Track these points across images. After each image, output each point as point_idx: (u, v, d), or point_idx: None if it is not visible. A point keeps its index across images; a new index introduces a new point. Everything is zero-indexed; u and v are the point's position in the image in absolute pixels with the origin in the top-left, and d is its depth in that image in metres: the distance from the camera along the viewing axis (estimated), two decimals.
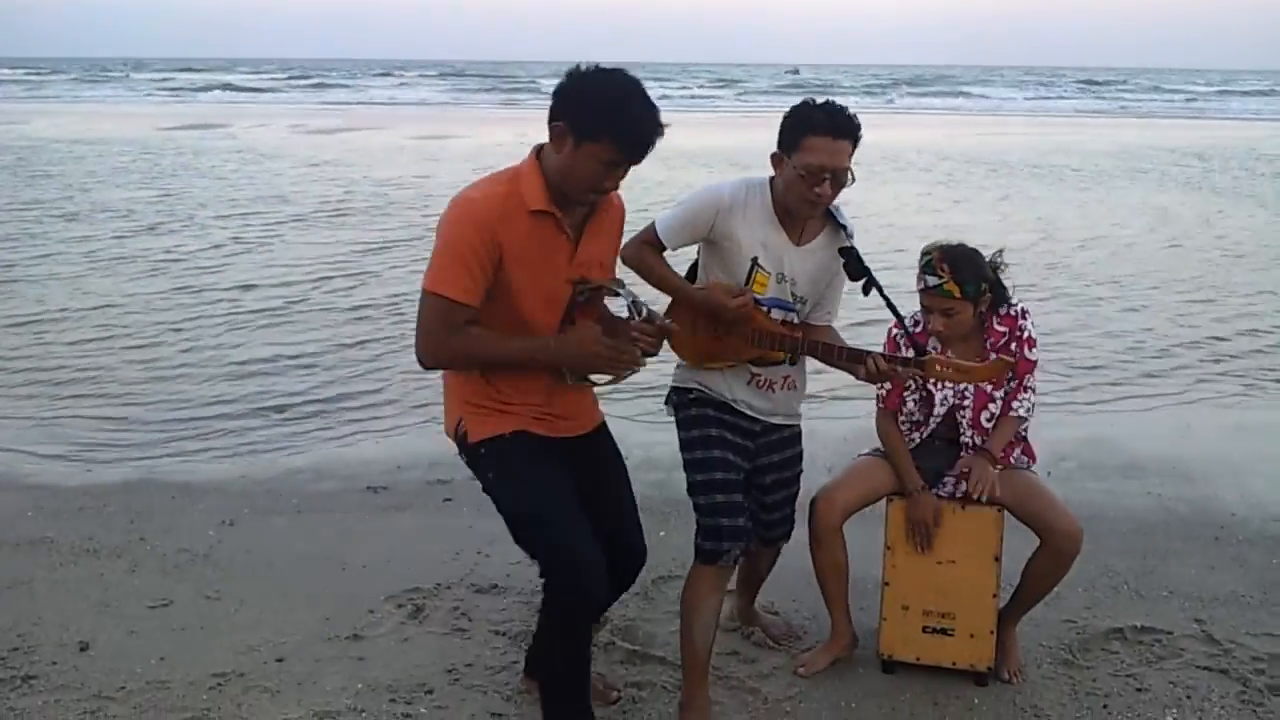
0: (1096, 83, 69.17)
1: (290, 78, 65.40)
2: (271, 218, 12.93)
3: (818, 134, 2.81)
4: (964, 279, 3.09)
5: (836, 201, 2.94)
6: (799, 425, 3.22)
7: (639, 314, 2.70)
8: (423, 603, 3.75)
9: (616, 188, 2.63)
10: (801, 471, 3.26)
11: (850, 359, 2.92)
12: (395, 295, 8.89)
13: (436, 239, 2.56)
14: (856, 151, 2.87)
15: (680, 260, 3.06)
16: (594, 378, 2.75)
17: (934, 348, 3.18)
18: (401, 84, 61.15)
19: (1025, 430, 3.31)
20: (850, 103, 2.94)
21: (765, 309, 2.98)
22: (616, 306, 2.83)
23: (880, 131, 25.85)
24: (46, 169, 17.40)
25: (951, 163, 20.21)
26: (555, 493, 2.67)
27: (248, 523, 4.56)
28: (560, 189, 2.58)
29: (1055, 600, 3.62)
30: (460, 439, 2.75)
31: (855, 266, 2.98)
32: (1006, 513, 3.20)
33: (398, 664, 3.35)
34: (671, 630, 3.50)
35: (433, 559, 4.12)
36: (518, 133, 25.63)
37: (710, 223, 2.93)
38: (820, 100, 2.88)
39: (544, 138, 2.60)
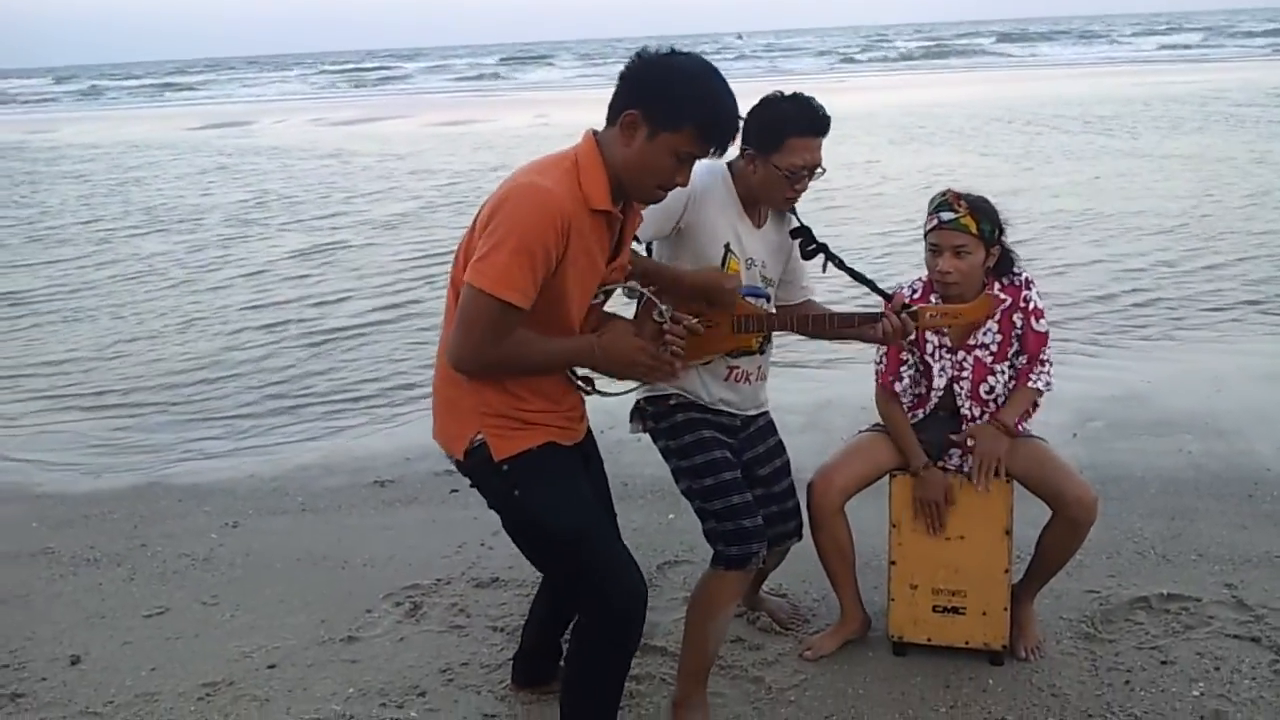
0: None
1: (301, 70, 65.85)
2: (367, 216, 12.53)
3: (802, 135, 2.71)
4: (981, 216, 2.94)
5: None
6: (769, 413, 3.08)
7: (667, 316, 2.53)
8: (421, 600, 3.66)
9: (686, 184, 2.41)
10: (789, 460, 3.10)
11: (864, 321, 2.77)
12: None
13: (499, 229, 2.22)
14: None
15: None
16: (609, 386, 2.57)
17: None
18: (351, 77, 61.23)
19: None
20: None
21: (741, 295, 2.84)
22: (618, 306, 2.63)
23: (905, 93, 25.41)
24: (113, 177, 17.34)
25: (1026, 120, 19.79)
26: (593, 508, 2.53)
27: (251, 524, 4.50)
28: (622, 184, 2.35)
29: (1077, 569, 3.46)
30: (474, 454, 2.44)
31: (809, 244, 2.90)
32: (1016, 483, 3.05)
33: (391, 665, 3.25)
34: (675, 619, 3.38)
35: (434, 553, 4.03)
36: (538, 115, 25.53)
37: (680, 212, 2.75)
38: (788, 94, 2.76)
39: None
